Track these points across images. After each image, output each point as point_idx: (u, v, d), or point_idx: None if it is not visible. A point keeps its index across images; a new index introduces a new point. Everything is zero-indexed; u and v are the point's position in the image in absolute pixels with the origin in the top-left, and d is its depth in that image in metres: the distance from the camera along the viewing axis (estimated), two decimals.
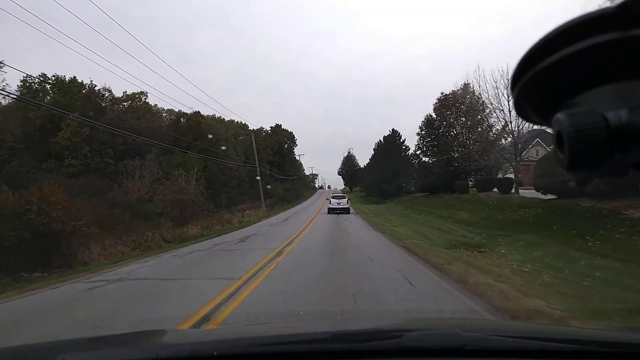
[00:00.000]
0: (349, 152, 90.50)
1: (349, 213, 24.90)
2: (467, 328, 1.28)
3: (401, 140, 42.54)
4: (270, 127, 65.00)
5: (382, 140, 45.21)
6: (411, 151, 40.79)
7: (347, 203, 26.26)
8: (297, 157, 75.04)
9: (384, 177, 40.07)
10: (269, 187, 42.28)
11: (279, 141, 61.90)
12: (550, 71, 0.38)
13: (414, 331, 1.23)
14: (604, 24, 0.35)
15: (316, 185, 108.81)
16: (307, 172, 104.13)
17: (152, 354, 1.09)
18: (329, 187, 72.10)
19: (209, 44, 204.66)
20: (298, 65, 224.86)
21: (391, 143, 42.23)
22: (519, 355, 1.11)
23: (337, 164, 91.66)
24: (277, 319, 4.25)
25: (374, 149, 48.70)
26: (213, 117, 41.65)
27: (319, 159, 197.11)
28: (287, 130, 73.85)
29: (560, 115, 0.37)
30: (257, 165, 32.26)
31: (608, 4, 0.35)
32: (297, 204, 41.76)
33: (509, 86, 0.44)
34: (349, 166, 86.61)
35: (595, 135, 0.35)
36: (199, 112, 37.34)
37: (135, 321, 4.07)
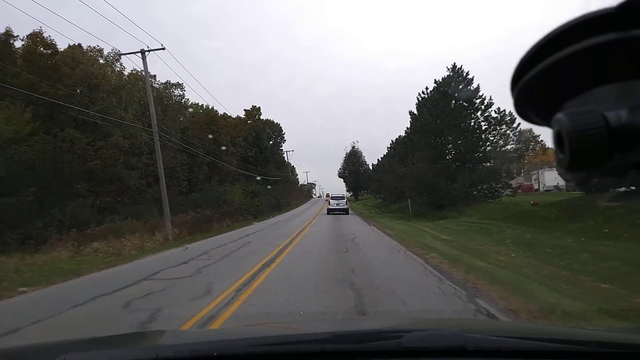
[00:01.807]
0: (354, 147, 77.38)
1: (347, 214, 30.48)
2: (468, 329, 1.54)
3: (472, 87, 23.69)
4: (245, 110, 53.84)
5: (428, 90, 26.28)
6: (493, 108, 22.83)
7: (346, 204, 32.21)
8: (285, 156, 66.64)
9: (438, 165, 23.54)
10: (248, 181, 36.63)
11: (257, 130, 51.30)
12: (550, 71, 0.44)
13: (414, 332, 1.41)
14: (604, 24, 0.39)
15: (314, 194, 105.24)
16: (301, 178, 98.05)
17: (152, 354, 1.28)
18: (327, 195, 60.38)
19: (207, 53, 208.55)
20: (298, 71, 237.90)
21: (451, 94, 23.88)
22: (520, 356, 1.29)
23: (336, 168, 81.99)
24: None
25: (411, 112, 29.49)
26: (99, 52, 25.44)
27: (318, 169, 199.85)
28: (272, 121, 64.74)
29: (560, 116, 0.41)
30: (155, 131, 16.93)
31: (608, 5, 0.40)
32: (265, 220, 28.60)
33: (509, 86, 0.51)
34: (353, 165, 74.70)
35: (595, 136, 0.39)
36: (79, 45, 23.99)
37: None
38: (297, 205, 52.28)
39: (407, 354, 1.28)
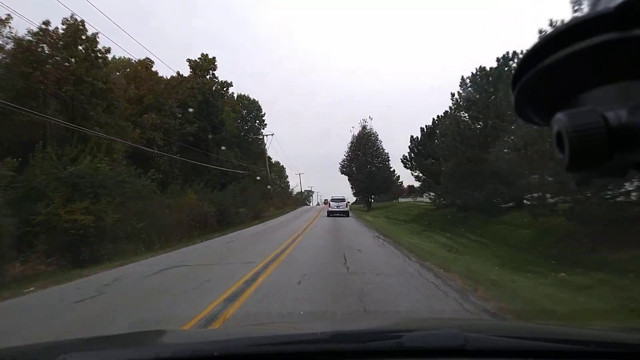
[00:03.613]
0: (365, 128, 50.75)
1: (348, 216, 31.09)
2: (468, 328, 1.58)
3: None
4: (189, 60, 35.17)
5: None
6: None
7: (347, 206, 32.90)
8: (265, 142, 50.26)
9: None
10: None
11: (206, 93, 33.40)
12: (550, 71, 0.46)
13: (414, 331, 1.50)
14: (604, 24, 0.41)
15: (309, 202, 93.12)
16: (299, 183, 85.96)
17: (153, 354, 1.37)
18: (326, 201, 54.42)
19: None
20: (299, 80, 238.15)
21: None
22: (520, 356, 1.37)
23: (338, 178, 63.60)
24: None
25: None
26: None
27: (319, 179, 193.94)
28: (247, 97, 49.85)
29: (560, 115, 0.44)
30: None
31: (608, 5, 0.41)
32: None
33: (510, 86, 0.52)
34: (364, 155, 48.65)
35: (595, 136, 0.41)
36: None
37: None
38: (273, 217, 35.12)
39: (407, 354, 1.35)
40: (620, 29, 0.41)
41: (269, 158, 55.12)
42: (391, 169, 50.29)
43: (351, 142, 50.80)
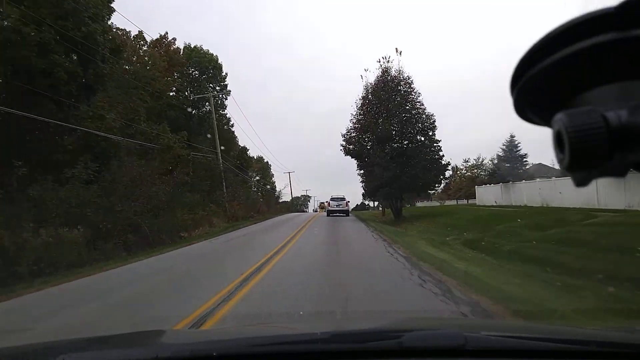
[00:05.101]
0: (387, 71, 26.58)
1: (348, 215, 31.86)
2: (468, 328, 1.73)
3: None
4: None
5: None
6: None
7: (347, 205, 33.14)
8: (227, 116, 37.65)
9: None
10: None
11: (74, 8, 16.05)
12: (550, 71, 0.48)
13: (414, 331, 1.55)
14: (604, 24, 0.43)
15: (309, 209, 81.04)
16: (291, 186, 74.05)
17: (152, 354, 1.40)
18: (321, 205, 50.61)
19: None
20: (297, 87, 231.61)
21: None
22: (520, 355, 1.41)
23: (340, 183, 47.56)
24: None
25: None
26: None
27: (320, 185, 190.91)
28: (199, 48, 35.29)
29: (560, 115, 0.45)
30: None
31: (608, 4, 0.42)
32: None
33: (509, 87, 0.54)
34: (389, 116, 25.83)
35: (595, 135, 0.42)
36: None
37: None
38: (187, 243, 15.78)
39: (408, 354, 1.38)
40: (620, 29, 0.42)
41: (245, 149, 39.95)
42: (439, 142, 26.78)
43: (362, 97, 27.57)
